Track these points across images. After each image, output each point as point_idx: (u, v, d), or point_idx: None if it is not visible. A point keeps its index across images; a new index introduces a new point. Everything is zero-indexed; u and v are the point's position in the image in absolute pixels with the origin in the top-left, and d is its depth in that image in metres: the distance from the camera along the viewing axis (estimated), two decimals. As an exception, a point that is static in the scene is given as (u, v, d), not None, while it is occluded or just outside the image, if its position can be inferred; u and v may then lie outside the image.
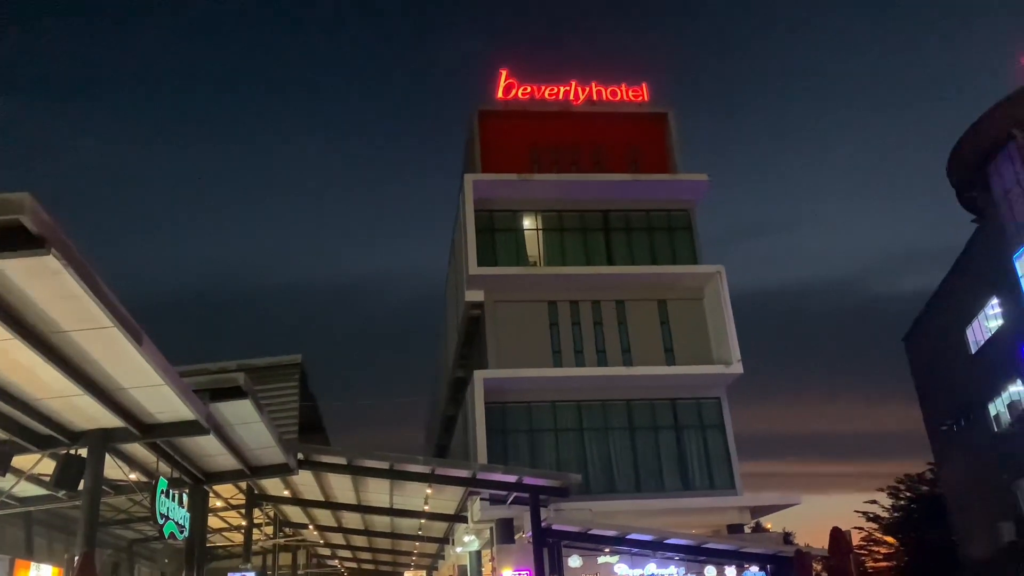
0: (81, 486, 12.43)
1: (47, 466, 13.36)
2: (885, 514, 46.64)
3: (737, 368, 25.17)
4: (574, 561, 21.31)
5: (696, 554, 21.77)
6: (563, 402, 25.62)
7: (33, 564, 18.29)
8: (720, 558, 21.64)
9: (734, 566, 21.47)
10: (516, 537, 21.96)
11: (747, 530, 25.55)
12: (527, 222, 28.43)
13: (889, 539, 46.20)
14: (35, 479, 15.06)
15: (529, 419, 25.50)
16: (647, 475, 25.12)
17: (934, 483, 42.96)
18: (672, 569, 21.78)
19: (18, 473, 13.98)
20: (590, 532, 20.65)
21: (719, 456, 25.50)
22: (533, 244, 28.20)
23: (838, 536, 12.58)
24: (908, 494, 45.62)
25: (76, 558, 11.29)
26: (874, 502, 47.55)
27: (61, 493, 15.15)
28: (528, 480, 19.67)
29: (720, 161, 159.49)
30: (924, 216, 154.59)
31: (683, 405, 26.05)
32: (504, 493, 20.68)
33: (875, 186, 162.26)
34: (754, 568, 21.57)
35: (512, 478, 19.78)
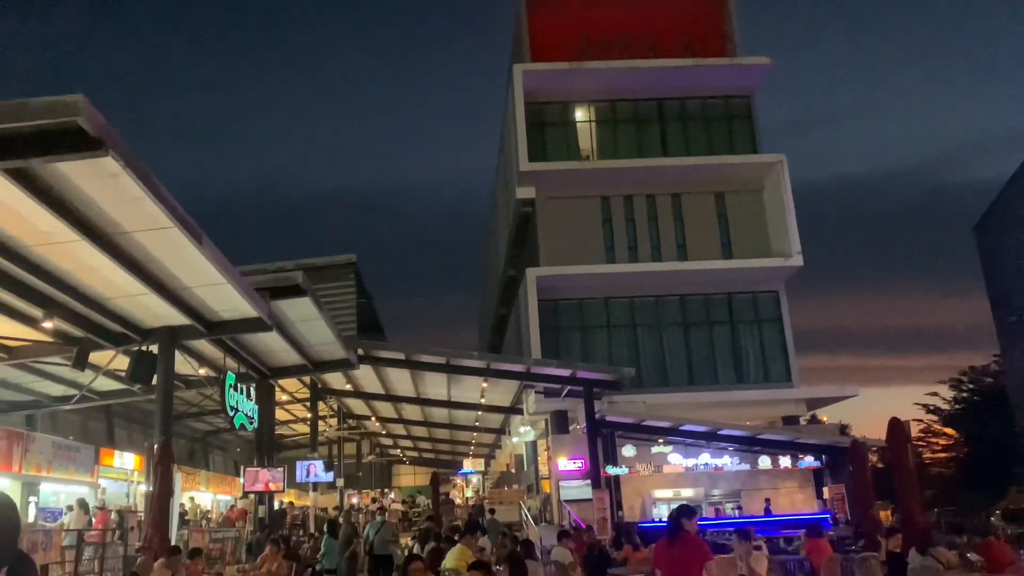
0: (154, 381, 13.00)
1: (122, 362, 13.97)
2: (946, 406, 46.21)
3: (796, 261, 24.61)
4: (628, 451, 21.76)
5: (750, 445, 21.99)
6: (616, 298, 25.55)
7: (116, 452, 19.50)
8: (774, 449, 21.83)
9: (788, 457, 21.66)
10: (571, 428, 22.48)
11: (802, 422, 25.62)
12: (579, 114, 27.64)
13: (948, 431, 45.93)
14: (112, 375, 15.83)
15: (581, 316, 25.57)
16: (701, 369, 25.18)
17: (999, 375, 42.22)
18: (726, 459, 22.10)
19: (95, 369, 14.70)
20: (643, 423, 20.96)
21: (775, 350, 25.33)
22: (585, 137, 27.49)
23: (896, 426, 12.42)
24: (971, 386, 44.94)
25: (155, 447, 11.92)
26: (935, 394, 47.07)
27: (136, 387, 15.95)
28: (582, 374, 19.90)
29: (783, 45, 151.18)
30: (999, 101, 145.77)
31: (739, 299, 25.74)
32: (558, 387, 21.01)
33: (946, 71, 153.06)
34: (808, 458, 21.73)
35: (566, 372, 20.04)
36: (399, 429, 34.89)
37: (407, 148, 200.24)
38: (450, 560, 11.37)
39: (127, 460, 19.55)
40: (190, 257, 10.08)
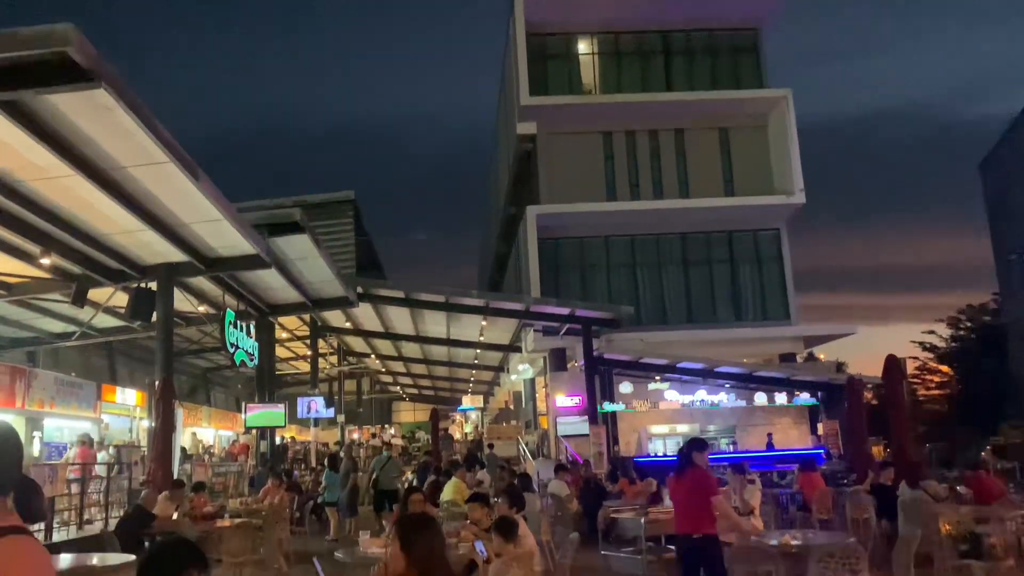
0: (154, 318, 13.04)
1: (121, 299, 13.98)
2: (942, 344, 46.57)
3: (799, 198, 24.44)
4: (625, 388, 22.01)
5: (746, 382, 22.23)
6: (617, 236, 25.45)
7: (118, 389, 19.71)
8: (770, 386, 22.08)
9: (784, 394, 21.92)
10: (568, 366, 22.67)
11: (799, 360, 25.85)
12: (581, 46, 27.03)
13: (944, 369, 46.36)
14: (111, 312, 15.85)
15: (581, 254, 25.53)
16: (700, 307, 25.27)
17: (996, 314, 42.48)
18: (722, 396, 22.37)
19: (95, 306, 14.73)
20: (641, 361, 21.14)
21: (775, 288, 25.38)
22: (588, 71, 26.96)
23: (893, 363, 12.53)
24: (968, 325, 45.21)
25: (156, 383, 12.02)
26: (932, 332, 47.39)
27: (136, 324, 16.00)
28: (580, 312, 19.96)
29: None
30: (1010, 37, 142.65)
31: (740, 237, 25.66)
32: (557, 325, 21.11)
33: (956, 5, 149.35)
34: (804, 395, 22.01)
35: (564, 310, 20.10)
36: (399, 367, 35.19)
37: (407, 83, 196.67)
38: (447, 492, 11.62)
39: (129, 396, 19.77)
40: (187, 193, 9.98)
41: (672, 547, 7.78)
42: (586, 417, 20.25)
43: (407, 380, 40.66)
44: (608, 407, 21.24)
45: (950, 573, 7.33)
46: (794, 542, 6.10)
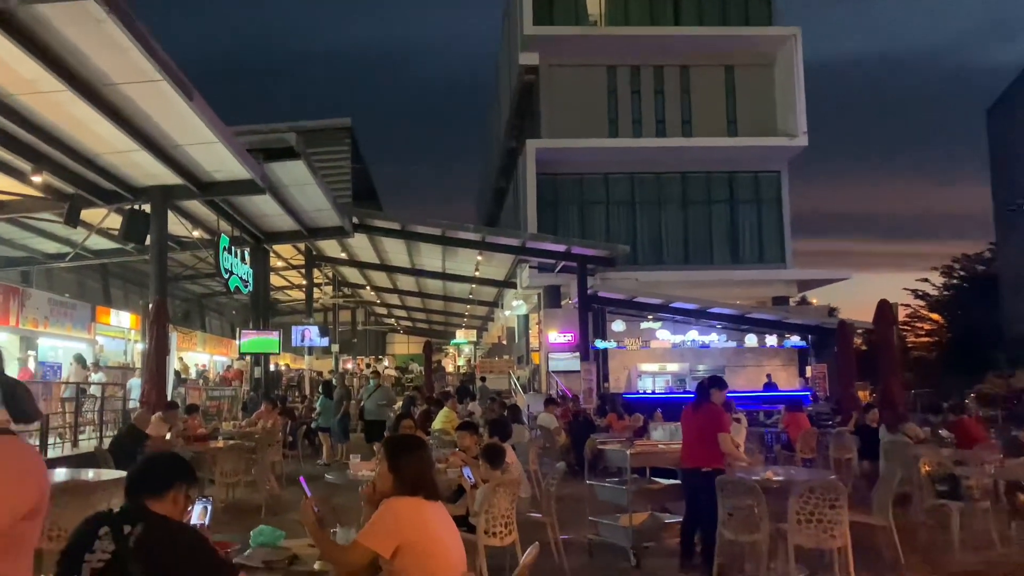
0: (148, 240, 12.97)
1: (115, 221, 13.88)
2: (935, 293, 46.83)
3: (802, 141, 24.20)
4: (617, 326, 22.16)
5: (738, 323, 22.39)
6: (617, 174, 25.25)
7: (113, 311, 19.74)
8: (762, 328, 22.25)
9: (775, 336, 22.11)
10: (563, 303, 22.78)
11: (792, 304, 25.99)
12: (587, -24, 26.34)
13: (934, 316, 46.73)
14: (105, 233, 15.75)
15: (581, 191, 25.34)
16: (696, 248, 25.26)
17: (991, 263, 42.64)
18: (713, 336, 22.56)
19: (88, 227, 14.64)
20: (635, 300, 21.24)
21: (772, 231, 25.34)
22: (594, 1, 26.28)
23: (884, 308, 12.61)
24: (962, 274, 45.42)
25: (151, 305, 12.03)
26: (925, 280, 47.61)
27: (130, 247, 15.91)
28: (576, 250, 19.94)
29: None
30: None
31: (741, 178, 25.48)
32: (552, 262, 21.11)
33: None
34: (795, 338, 22.20)
35: (561, 247, 20.07)
36: (393, 299, 35.30)
37: (409, 6, 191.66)
38: (438, 422, 11.81)
39: (123, 319, 19.81)
40: (181, 114, 9.80)
41: (657, 479, 7.93)
42: (577, 354, 20.45)
43: (401, 313, 40.84)
44: (600, 344, 21.40)
45: (927, 512, 7.52)
46: (776, 477, 6.20)
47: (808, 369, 22.30)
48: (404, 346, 51.66)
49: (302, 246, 22.02)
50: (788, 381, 22.99)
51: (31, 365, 15.06)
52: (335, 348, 31.27)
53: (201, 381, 22.47)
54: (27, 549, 1.78)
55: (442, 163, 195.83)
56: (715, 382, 6.62)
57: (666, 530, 7.37)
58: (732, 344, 22.51)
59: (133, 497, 2.80)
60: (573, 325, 20.80)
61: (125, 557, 2.57)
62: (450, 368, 36.02)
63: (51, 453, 10.30)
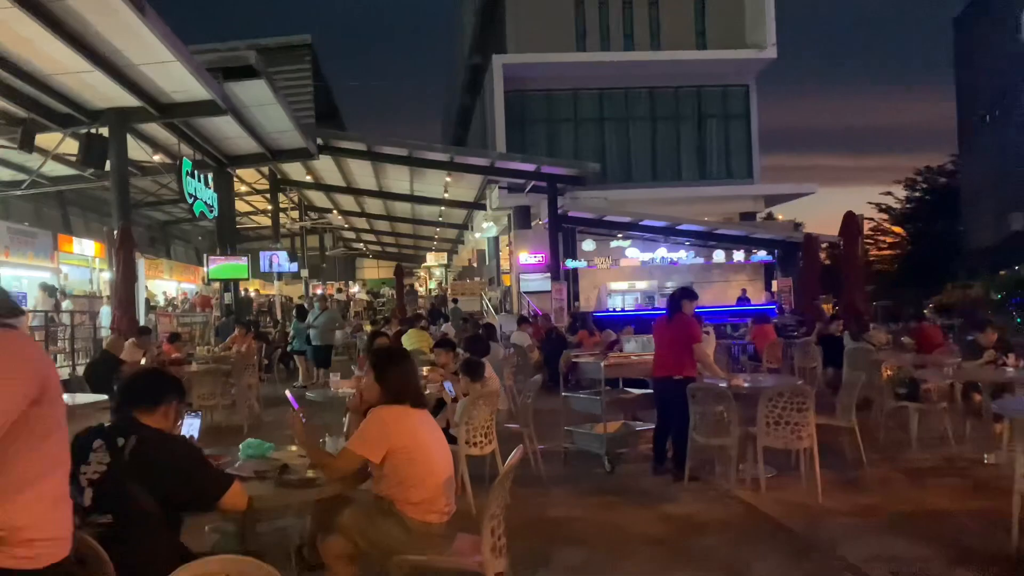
0: (107, 167, 12.61)
1: (72, 147, 13.44)
2: (898, 205, 47.55)
3: (771, 53, 23.98)
4: (588, 245, 22.26)
5: (706, 240, 22.63)
6: (585, 90, 24.89)
7: (75, 239, 19.32)
8: (729, 243, 22.52)
9: (742, 251, 22.41)
10: (533, 224, 22.76)
11: (758, 219, 26.28)
12: None
13: (896, 229, 47.59)
14: (62, 159, 15.28)
15: (549, 109, 24.99)
16: (665, 165, 25.24)
17: (953, 175, 43.25)
18: (682, 253, 22.80)
19: (44, 153, 14.16)
20: (604, 219, 21.28)
21: (740, 147, 25.36)
22: (559, -92, 25.36)
23: (850, 219, 12.82)
24: (924, 186, 46.08)
25: (115, 232, 11.79)
26: (889, 194, 48.24)
27: (88, 172, 15.47)
28: (546, 169, 19.79)
29: None
30: None
31: (709, 93, 25.29)
32: (522, 182, 20.96)
33: None
34: (761, 253, 22.53)
35: (530, 167, 19.90)
36: (361, 223, 34.92)
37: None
38: (410, 342, 11.90)
39: (87, 247, 19.41)
40: (133, 30, 9.39)
41: (628, 389, 8.15)
42: (548, 274, 20.59)
43: (370, 237, 40.50)
44: (570, 264, 21.54)
45: (887, 415, 7.85)
46: (745, 384, 6.41)
47: (774, 283, 22.74)
48: (374, 271, 51.48)
49: (266, 170, 21.56)
50: (754, 296, 23.45)
51: (-6, 296, 14.76)
52: (304, 273, 31.05)
53: (170, 308, 22.27)
54: (42, 434, 1.86)
55: (406, 83, 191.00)
56: (686, 293, 6.74)
57: (638, 437, 7.63)
58: (700, 260, 22.80)
59: (125, 411, 2.84)
60: (543, 245, 20.85)
61: (121, 468, 2.62)
62: (422, 291, 36.08)
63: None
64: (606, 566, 4.58)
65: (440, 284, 36.76)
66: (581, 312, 20.10)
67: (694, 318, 6.73)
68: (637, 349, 8.66)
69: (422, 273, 40.76)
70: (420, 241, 39.57)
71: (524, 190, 21.33)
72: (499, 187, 21.76)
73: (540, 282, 21.14)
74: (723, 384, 6.29)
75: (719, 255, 22.51)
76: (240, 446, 3.83)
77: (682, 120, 25.35)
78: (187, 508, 2.85)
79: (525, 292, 21.55)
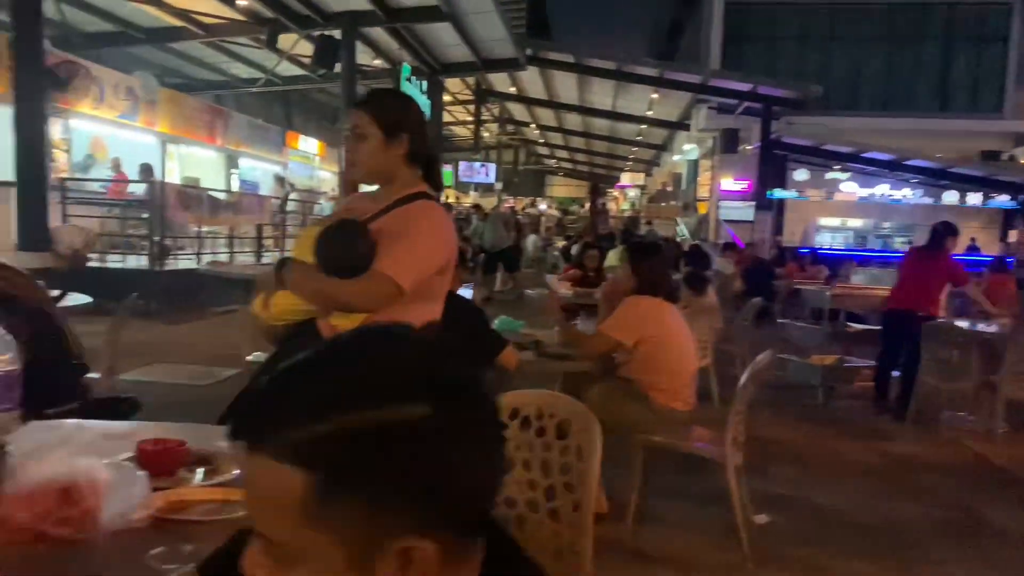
0: (336, 68, 13.29)
1: (303, 48, 14.26)
2: None
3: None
4: (800, 175, 20.80)
5: (938, 178, 20.41)
6: (814, 5, 22.75)
7: (301, 136, 20.76)
8: (965, 184, 20.20)
9: (980, 195, 20.04)
10: (740, 148, 21.57)
11: (1004, 159, 23.21)
12: None
13: None
14: (296, 60, 16.29)
15: (772, 24, 23.08)
16: (897, 92, 22.70)
17: None
18: (906, 191, 20.75)
19: (280, 53, 15.14)
20: (822, 147, 19.74)
21: (991, 75, 22.26)
22: None
23: None
24: None
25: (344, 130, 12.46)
26: None
27: (319, 73, 16.41)
28: (763, 89, 18.55)
29: None
30: None
31: (962, 10, 22.20)
32: (734, 103, 19.79)
33: None
34: (1003, 198, 20.04)
35: (746, 86, 18.73)
36: (557, 139, 34.85)
37: None
38: (612, 259, 11.83)
39: (311, 145, 20.82)
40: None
41: (852, 323, 7.62)
42: (751, 203, 19.55)
43: (563, 154, 40.43)
44: (778, 194, 20.29)
45: None
46: (990, 329, 5.87)
47: (1012, 234, 20.22)
48: (563, 188, 51.53)
49: (471, 81, 21.86)
50: (985, 247, 21.02)
51: (235, 183, 16.30)
52: (499, 186, 31.72)
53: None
54: (434, 298, 2.12)
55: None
56: (950, 229, 6.18)
57: (854, 374, 7.20)
58: (928, 200, 20.64)
59: None
60: (750, 172, 19.76)
61: None
62: (613, 212, 35.73)
63: (266, 259, 11.30)
64: (824, 485, 4.43)
65: (633, 206, 36.23)
66: (783, 247, 19.02)
67: (955, 258, 6.18)
68: (866, 281, 8.05)
69: (616, 193, 40.29)
70: (614, 161, 38.96)
71: (735, 112, 20.14)
72: (708, 107, 20.69)
73: (741, 211, 20.15)
74: (980, 326, 5.77)
75: (950, 196, 20.26)
76: (495, 321, 4.11)
77: (925, 41, 22.56)
78: None
79: (724, 220, 20.66)
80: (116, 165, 12.01)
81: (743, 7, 22.69)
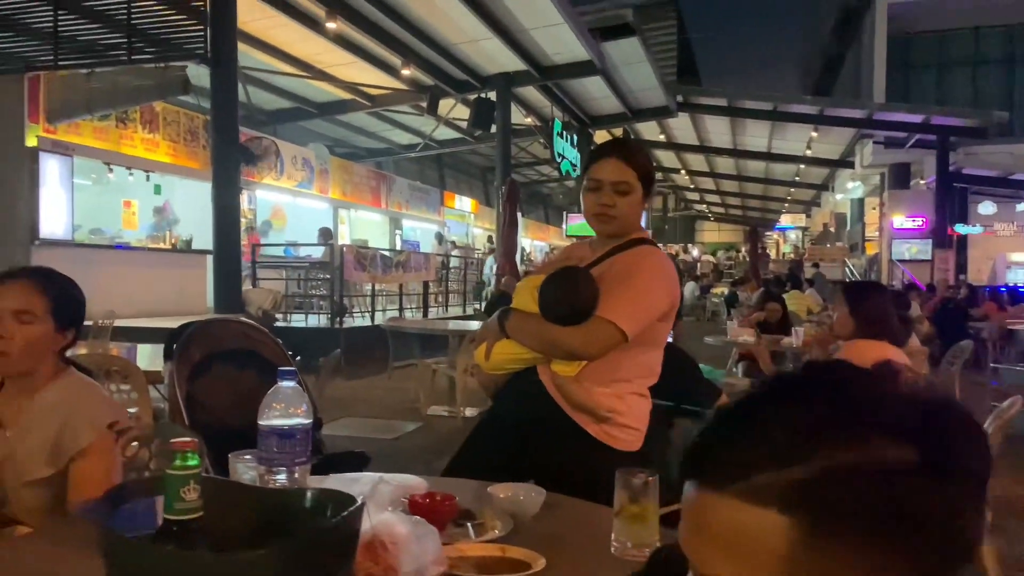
0: (492, 129, 13.72)
1: (458, 112, 14.87)
2: None
3: None
4: (985, 208, 19.15)
5: None
6: (988, 27, 21.19)
7: (456, 195, 21.58)
8: None
9: None
10: (912, 183, 20.21)
11: None
12: None
13: None
14: (451, 124, 17.01)
15: (940, 50, 21.75)
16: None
17: None
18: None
19: (438, 118, 15.86)
20: (1011, 177, 18.10)
21: None
22: None
23: None
24: None
25: (504, 186, 12.78)
26: None
27: (476, 134, 17.03)
28: (937, 119, 17.32)
29: None
30: None
31: None
32: (903, 135, 18.60)
33: None
34: None
35: (916, 118, 17.56)
36: (708, 183, 34.11)
37: None
38: (793, 304, 11.27)
39: (465, 203, 21.59)
40: (531, -5, 9.98)
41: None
42: (927, 241, 18.16)
43: (714, 198, 39.47)
44: (960, 229, 18.75)
45: None
46: None
47: None
48: (714, 233, 50.28)
49: (618, 131, 21.90)
50: None
51: (398, 242, 17.12)
52: (648, 233, 31.26)
53: (528, 261, 23.98)
54: (656, 344, 2.10)
55: (759, 31, 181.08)
56: None
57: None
58: None
59: None
60: (925, 208, 18.40)
61: None
62: (773, 255, 34.37)
63: (432, 313, 11.70)
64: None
65: (796, 248, 34.71)
66: (971, 286, 17.46)
67: None
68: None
69: (776, 236, 38.82)
70: (769, 203, 37.59)
71: (904, 145, 18.92)
72: (873, 142, 19.58)
73: (916, 250, 18.75)
74: None
75: None
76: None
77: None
78: None
79: (898, 260, 19.29)
80: (326, 235, 12.54)
81: (908, 35, 21.50)
